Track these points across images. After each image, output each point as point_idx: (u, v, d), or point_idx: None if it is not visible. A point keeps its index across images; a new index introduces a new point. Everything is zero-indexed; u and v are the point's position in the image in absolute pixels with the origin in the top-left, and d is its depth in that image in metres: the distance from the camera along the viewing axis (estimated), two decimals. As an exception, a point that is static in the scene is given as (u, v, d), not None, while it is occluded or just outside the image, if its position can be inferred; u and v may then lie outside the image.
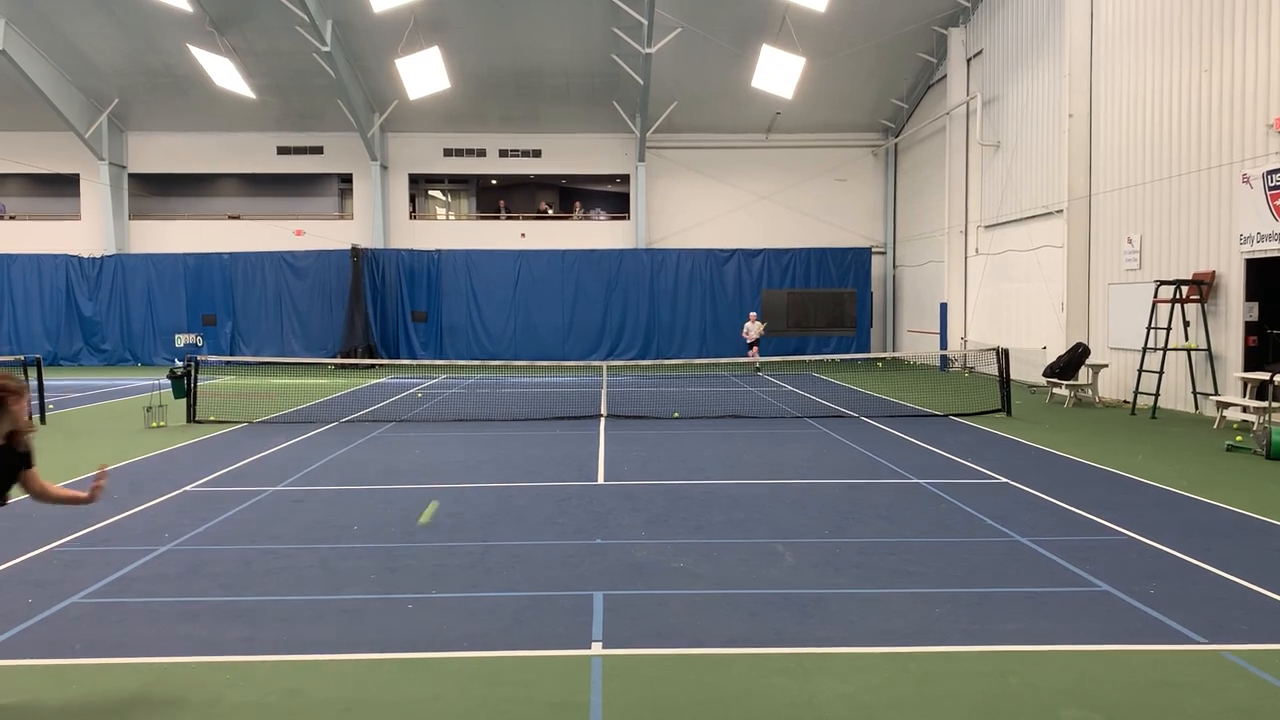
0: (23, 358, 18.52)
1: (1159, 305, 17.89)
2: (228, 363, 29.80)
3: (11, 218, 35.74)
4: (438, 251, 34.03)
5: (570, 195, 39.13)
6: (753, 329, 29.74)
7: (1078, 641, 5.91)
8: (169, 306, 33.71)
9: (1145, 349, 17.94)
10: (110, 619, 6.41)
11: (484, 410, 18.89)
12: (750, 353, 29.31)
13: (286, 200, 36.82)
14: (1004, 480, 11.26)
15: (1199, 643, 5.90)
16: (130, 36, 29.70)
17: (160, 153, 35.42)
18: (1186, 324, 17.54)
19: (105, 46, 30.26)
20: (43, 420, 16.97)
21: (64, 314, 33.59)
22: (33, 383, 17.19)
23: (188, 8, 27.23)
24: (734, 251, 34.24)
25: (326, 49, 28.40)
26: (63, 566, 7.67)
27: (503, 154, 35.60)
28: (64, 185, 35.16)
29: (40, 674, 5.50)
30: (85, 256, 33.85)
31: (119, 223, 34.80)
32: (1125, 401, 19.05)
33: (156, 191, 36.67)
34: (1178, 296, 17.39)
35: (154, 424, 16.46)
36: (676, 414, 17.93)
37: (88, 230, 35.04)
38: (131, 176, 35.57)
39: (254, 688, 5.31)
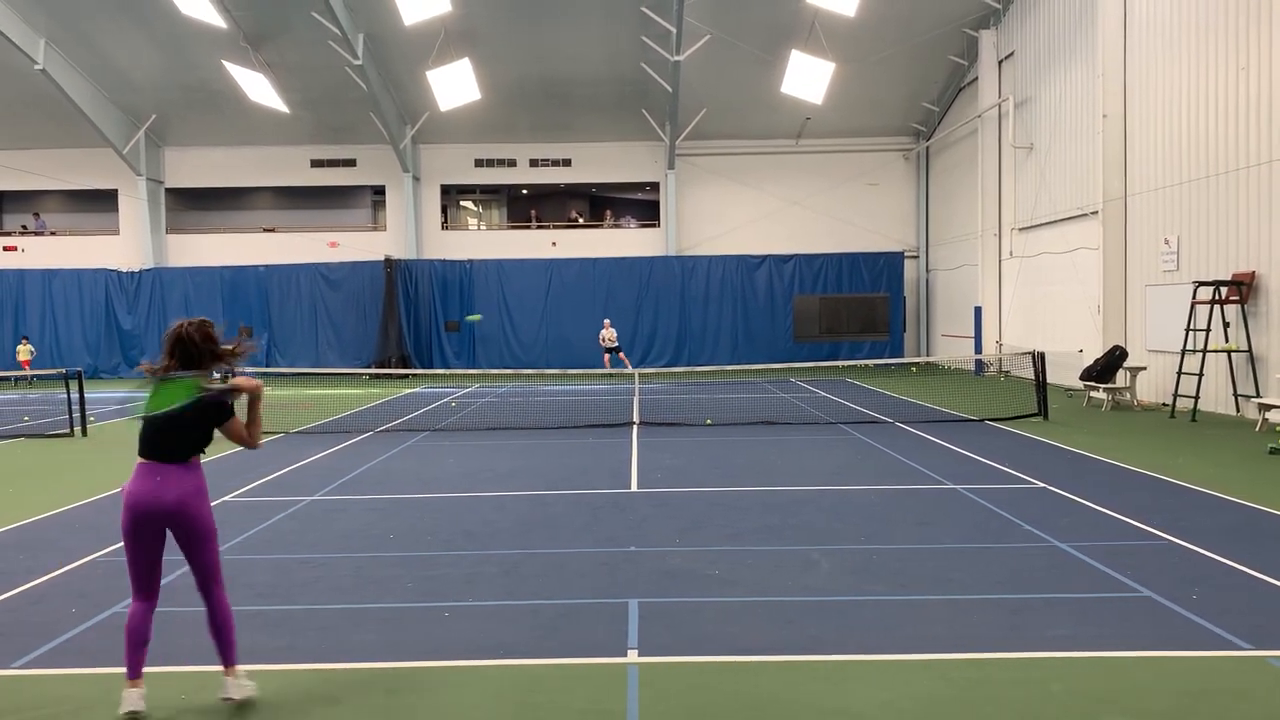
0: (64, 371, 18.83)
1: (1198, 307, 17.63)
2: (264, 374, 30.11)
3: (52, 233, 36.36)
4: (469, 261, 34.22)
5: (600, 204, 39.21)
6: (606, 335, 30.22)
7: (1120, 648, 5.84)
8: (206, 318, 34.02)
9: (1184, 351, 17.69)
10: (152, 628, 6.47)
11: (517, 419, 18.96)
12: (606, 359, 29.58)
13: (320, 213, 37.21)
14: (1042, 485, 11.15)
15: (1243, 649, 5.80)
16: (166, 54, 30.16)
17: (196, 167, 35.90)
18: (1226, 325, 17.30)
19: (142, 64, 30.74)
20: (84, 432, 17.23)
21: (104, 327, 34.04)
22: (73, 396, 17.47)
23: (222, 24, 27.61)
24: (765, 257, 34.16)
25: (358, 62, 28.68)
26: (104, 576, 7.77)
27: (533, 163, 35.76)
28: (103, 201, 35.73)
29: (84, 683, 5.57)
30: (124, 270, 34.33)
31: (156, 237, 35.28)
32: (1164, 404, 18.79)
33: (193, 206, 37.18)
34: (1217, 297, 17.14)
35: (192, 435, 16.61)
36: (709, 421, 17.90)
37: (126, 245, 35.57)
38: (168, 191, 36.07)
39: (293, 696, 5.35)
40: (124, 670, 5.18)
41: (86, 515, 10.26)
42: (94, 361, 33.52)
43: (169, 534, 5.24)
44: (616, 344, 30.34)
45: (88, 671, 5.73)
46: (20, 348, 31.23)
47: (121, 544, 8.79)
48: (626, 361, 29.76)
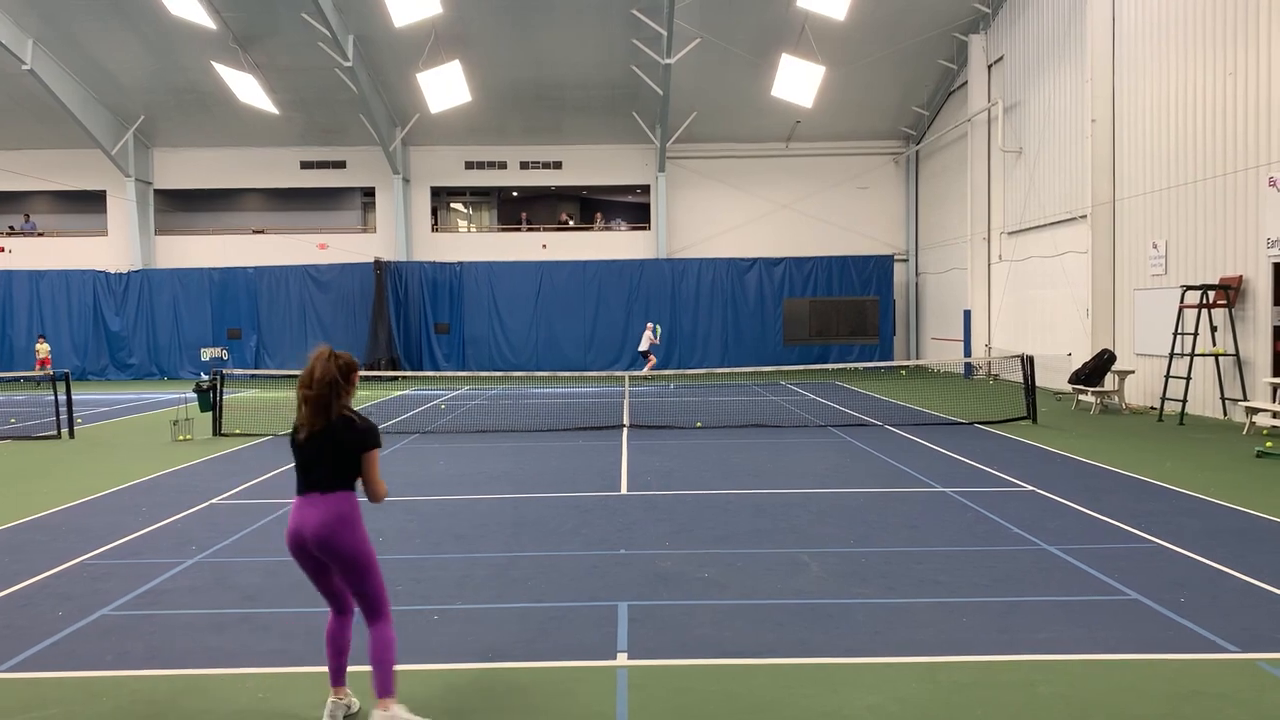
0: (51, 373, 18.74)
1: (1185, 310, 17.72)
2: (253, 376, 30.04)
3: (40, 234, 36.19)
4: (460, 264, 34.17)
5: (591, 206, 39.20)
6: (648, 338, 30.61)
7: (1108, 650, 5.86)
8: (195, 321, 33.99)
9: (1172, 355, 17.77)
10: (140, 631, 6.46)
11: (507, 421, 18.93)
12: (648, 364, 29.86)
13: (310, 214, 37.12)
14: (1030, 488, 11.18)
15: (1231, 651, 5.83)
16: (155, 54, 30.05)
17: (185, 169, 35.78)
18: (1214, 329, 17.38)
19: (131, 64, 30.62)
20: (71, 435, 17.15)
21: (91, 329, 33.90)
22: (61, 398, 17.38)
23: (212, 25, 27.52)
24: (755, 260, 34.20)
25: (348, 64, 28.63)
26: (92, 579, 7.74)
27: (524, 166, 35.73)
28: (91, 202, 35.56)
29: (71, 686, 5.54)
30: (112, 272, 34.19)
31: (145, 238, 35.15)
32: (1152, 408, 18.87)
33: (182, 207, 37.04)
34: (1204, 301, 17.23)
35: (181, 437, 16.60)
36: (699, 424, 17.90)
37: (115, 246, 35.42)
38: (157, 192, 35.94)
39: (284, 699, 5.34)
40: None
41: (74, 518, 10.21)
42: (81, 363, 33.39)
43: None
44: (647, 348, 30.44)
45: (74, 675, 5.70)
46: (39, 346, 31.03)
47: (107, 546, 8.79)
48: (649, 362, 29.89)
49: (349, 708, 5.11)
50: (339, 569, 4.96)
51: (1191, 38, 18.40)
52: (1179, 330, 17.68)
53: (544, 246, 35.62)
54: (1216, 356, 17.37)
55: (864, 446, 14.77)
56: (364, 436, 4.98)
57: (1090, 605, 6.77)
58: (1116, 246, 21.25)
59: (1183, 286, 17.85)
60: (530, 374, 26.31)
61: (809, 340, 33.95)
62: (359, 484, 5.04)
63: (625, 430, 17.12)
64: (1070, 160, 23.11)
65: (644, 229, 36.12)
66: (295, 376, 5.15)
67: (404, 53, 29.20)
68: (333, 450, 4.93)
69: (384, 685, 4.91)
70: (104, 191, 35.09)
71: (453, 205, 39.98)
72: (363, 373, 25.79)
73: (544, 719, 5.04)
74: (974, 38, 28.33)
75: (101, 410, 22.19)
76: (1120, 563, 7.83)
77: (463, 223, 40.53)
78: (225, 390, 18.10)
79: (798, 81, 28.26)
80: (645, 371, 28.74)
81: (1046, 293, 24.80)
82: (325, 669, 5.60)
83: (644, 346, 30.55)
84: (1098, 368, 19.69)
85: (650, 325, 31.22)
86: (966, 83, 29.10)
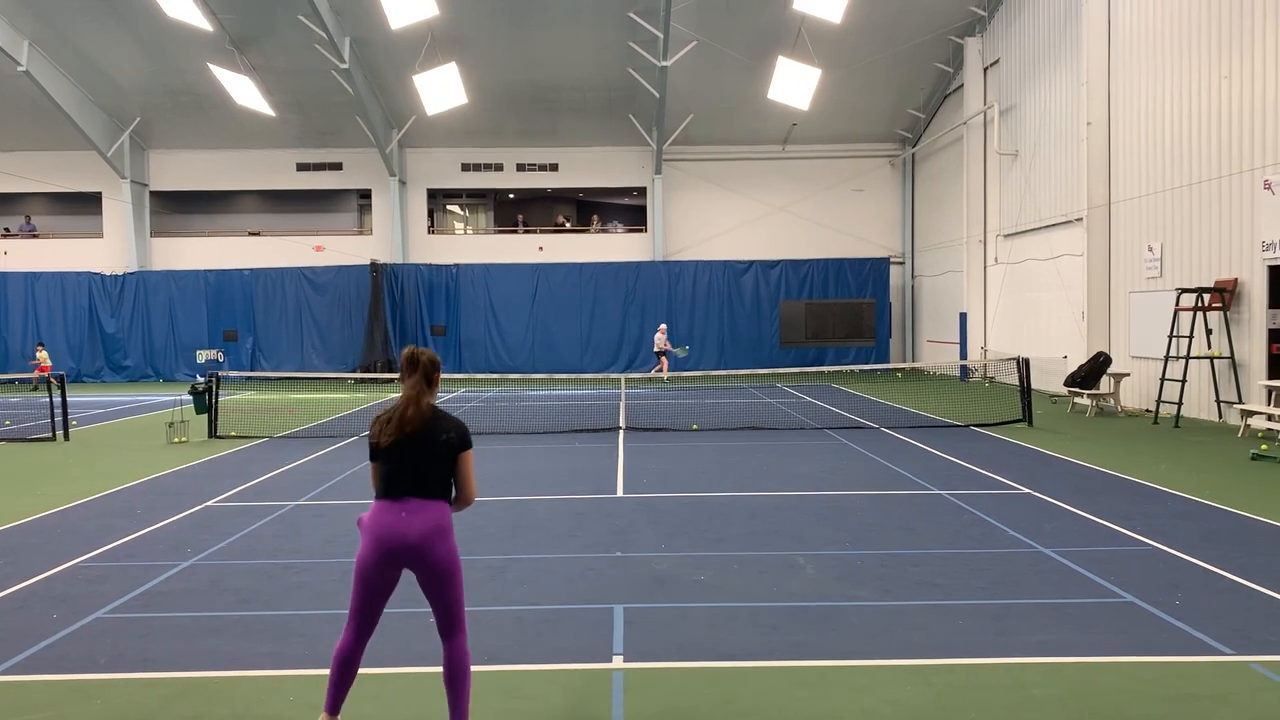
0: (49, 375, 18.71)
1: (1181, 313, 17.75)
2: (248, 378, 30.01)
3: (34, 236, 36.13)
4: (456, 266, 34.15)
5: (587, 208, 39.21)
6: (659, 339, 30.77)
7: (1103, 653, 5.86)
8: (190, 322, 33.93)
9: (1167, 357, 17.80)
10: (135, 634, 6.45)
11: (503, 423, 18.92)
12: (656, 367, 30.01)
13: (306, 216, 37.10)
14: (1026, 491, 11.19)
15: (1226, 654, 5.84)
16: (151, 56, 30.03)
17: (181, 170, 35.75)
18: (1209, 332, 17.41)
19: (127, 66, 30.61)
20: (66, 437, 17.12)
21: (87, 331, 33.83)
22: (55, 400, 17.35)
23: (208, 27, 27.50)
24: (751, 263, 34.21)
25: (345, 66, 28.62)
26: (87, 582, 7.72)
27: (520, 168, 35.74)
28: (87, 203, 35.53)
29: (65, 689, 5.53)
30: (108, 274, 34.14)
31: (141, 240, 35.12)
32: (1148, 411, 18.90)
33: (178, 209, 37.01)
34: (1200, 304, 17.26)
35: (176, 439, 16.56)
36: (695, 426, 17.90)
37: (110, 248, 35.40)
38: (153, 194, 35.90)
39: (279, 702, 5.33)
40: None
41: (69, 520, 10.19)
42: (76, 365, 33.30)
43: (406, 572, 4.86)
44: (659, 350, 30.58)
45: (68, 678, 5.69)
46: (40, 354, 30.78)
47: (102, 548, 8.77)
48: (661, 365, 30.00)
49: None
50: (430, 580, 4.78)
51: (1186, 41, 18.44)
52: (1174, 333, 17.71)
53: (540, 249, 35.63)
54: (1212, 359, 17.41)
55: (860, 449, 14.78)
56: (462, 436, 4.84)
57: (1085, 608, 6.78)
58: (1112, 249, 21.28)
59: (1178, 289, 17.88)
60: (526, 376, 26.30)
61: (805, 343, 33.96)
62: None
63: (621, 433, 17.12)
64: (1066, 163, 23.15)
65: (640, 231, 36.14)
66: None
67: (400, 55, 29.20)
68: (427, 451, 4.76)
69: (461, 711, 4.74)
70: (99, 193, 35.05)
71: (449, 207, 39.99)
72: (358, 375, 25.68)
73: (539, 722, 5.04)
74: (970, 41, 28.39)
75: (96, 412, 22.15)
76: (1115, 565, 7.84)
77: (459, 225, 40.54)
78: (221, 392, 18.07)
79: (794, 84, 28.29)
80: (653, 373, 28.78)
81: (1042, 295, 24.84)
82: (321, 671, 5.60)
83: (659, 348, 30.60)
84: (1093, 370, 19.72)
85: (662, 327, 31.29)
86: (962, 86, 29.17)
